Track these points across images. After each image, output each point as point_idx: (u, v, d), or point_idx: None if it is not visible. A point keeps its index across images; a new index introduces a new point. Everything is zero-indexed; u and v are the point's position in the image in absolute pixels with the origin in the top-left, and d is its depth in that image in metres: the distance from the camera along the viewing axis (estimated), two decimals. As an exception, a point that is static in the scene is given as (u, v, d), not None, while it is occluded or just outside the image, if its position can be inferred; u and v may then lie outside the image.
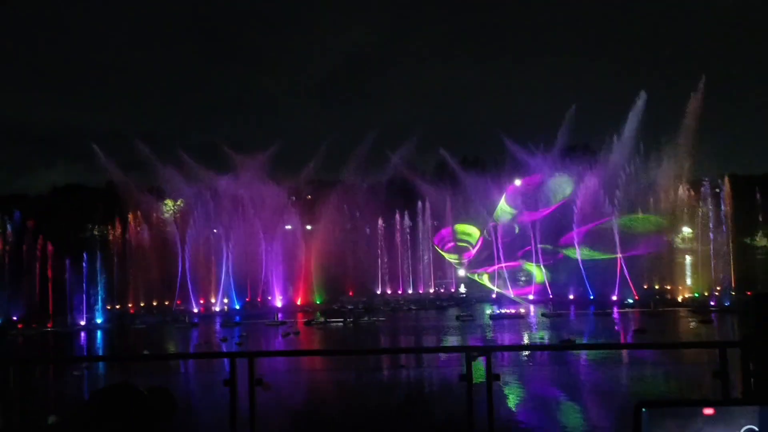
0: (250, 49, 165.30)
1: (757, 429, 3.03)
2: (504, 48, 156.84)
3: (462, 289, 63.83)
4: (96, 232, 66.54)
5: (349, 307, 55.83)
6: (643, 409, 2.94)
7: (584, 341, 34.61)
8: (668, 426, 2.99)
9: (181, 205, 65.45)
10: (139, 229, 56.92)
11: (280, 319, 49.00)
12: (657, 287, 54.92)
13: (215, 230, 59.49)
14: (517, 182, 69.31)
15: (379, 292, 62.70)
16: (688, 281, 55.85)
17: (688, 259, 59.41)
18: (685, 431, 3.01)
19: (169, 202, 67.37)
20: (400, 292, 62.27)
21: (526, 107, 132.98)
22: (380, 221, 65.67)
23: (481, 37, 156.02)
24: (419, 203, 65.54)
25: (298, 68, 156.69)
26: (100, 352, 40.93)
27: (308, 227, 68.91)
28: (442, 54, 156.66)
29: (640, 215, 55.35)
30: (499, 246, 61.65)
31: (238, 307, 56.01)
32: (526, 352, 21.67)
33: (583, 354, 19.12)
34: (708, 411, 3.02)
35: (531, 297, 57.99)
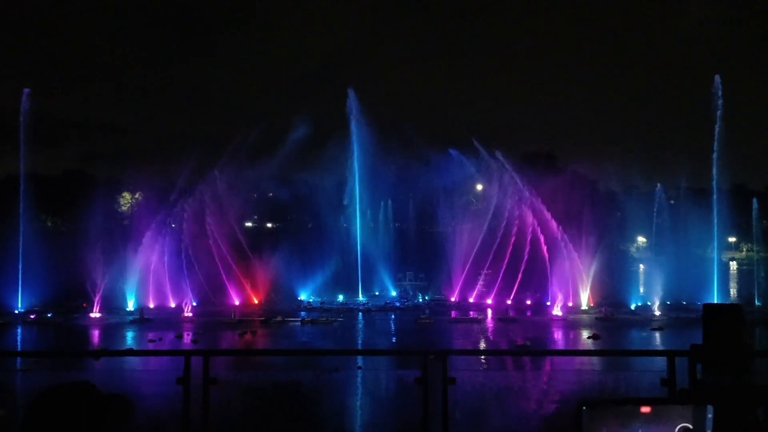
0: (222, 45, 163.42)
1: (690, 427, 3.16)
2: (478, 50, 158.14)
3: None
4: (49, 223, 64.93)
5: (307, 306, 55.55)
6: (584, 408, 3.02)
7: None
8: (609, 423, 3.09)
9: (139, 198, 64.18)
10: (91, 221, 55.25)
11: (236, 318, 48.45)
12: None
13: (173, 225, 58.47)
14: (479, 186, 70.17)
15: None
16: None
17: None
18: (624, 429, 3.11)
19: (126, 195, 66.04)
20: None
21: (501, 111, 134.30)
22: (341, 221, 65.67)
23: (455, 39, 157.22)
24: (381, 203, 65.61)
25: (271, 67, 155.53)
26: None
27: (269, 225, 68.51)
28: (416, 56, 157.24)
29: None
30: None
31: (194, 304, 55.15)
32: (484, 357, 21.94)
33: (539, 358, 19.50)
34: (645, 409, 3.13)
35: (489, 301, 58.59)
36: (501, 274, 59.55)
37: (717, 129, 53.92)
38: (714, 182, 54.29)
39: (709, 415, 3.22)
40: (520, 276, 57.72)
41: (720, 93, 53.92)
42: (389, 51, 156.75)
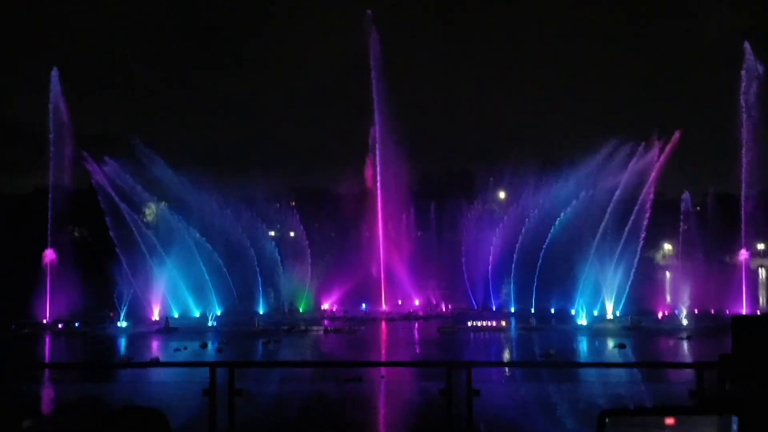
0: (243, 54, 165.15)
1: None
2: (501, 61, 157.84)
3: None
4: (76, 234, 65.90)
5: (331, 315, 55.75)
6: (607, 419, 3.01)
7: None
8: None
9: (164, 208, 64.86)
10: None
11: (260, 327, 48.72)
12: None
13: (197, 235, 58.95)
14: (501, 194, 69.92)
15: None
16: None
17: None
18: None
19: (151, 206, 66.78)
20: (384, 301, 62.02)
21: (520, 121, 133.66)
22: (362, 230, 65.88)
23: (478, 50, 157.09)
24: (403, 216, 65.63)
25: (293, 76, 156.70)
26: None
27: (291, 234, 68.76)
28: (437, 66, 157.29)
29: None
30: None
31: (218, 313, 55.53)
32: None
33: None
34: (669, 420, 3.10)
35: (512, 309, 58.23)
36: (523, 282, 59.22)
37: (744, 132, 53.10)
38: (743, 187, 53.42)
39: (734, 426, 3.18)
40: (542, 284, 57.33)
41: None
42: (410, 60, 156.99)
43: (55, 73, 55.41)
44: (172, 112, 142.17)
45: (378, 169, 63.47)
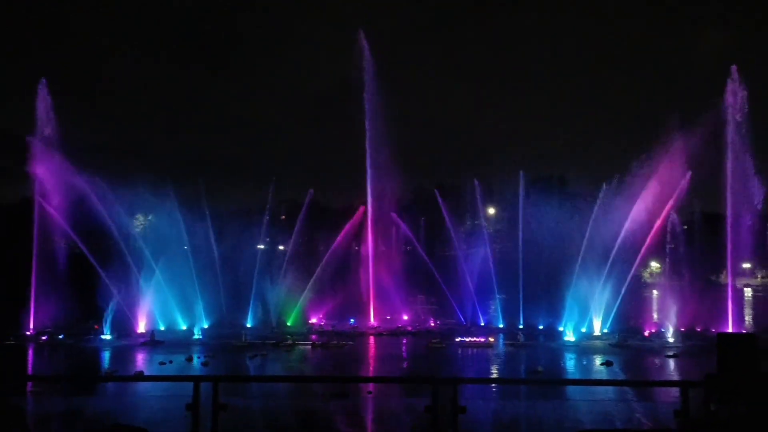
0: (241, 67, 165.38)
1: None
2: (500, 74, 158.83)
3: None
4: (62, 244, 65.25)
5: (319, 330, 55.44)
6: None
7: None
8: None
9: (152, 220, 64.47)
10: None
11: (247, 341, 48.38)
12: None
13: (185, 247, 58.66)
14: (491, 210, 70.17)
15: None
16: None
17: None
18: None
19: (140, 217, 66.35)
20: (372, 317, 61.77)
21: (522, 135, 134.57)
22: (353, 245, 65.76)
23: (476, 64, 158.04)
24: (393, 229, 65.57)
25: (289, 89, 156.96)
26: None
27: (281, 247, 68.52)
28: (431, 81, 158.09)
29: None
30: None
31: (205, 326, 55.11)
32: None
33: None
34: None
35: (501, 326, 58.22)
36: (510, 298, 59.36)
37: (729, 152, 53.59)
38: (728, 207, 53.82)
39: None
40: (530, 300, 57.48)
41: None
42: (404, 74, 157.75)
43: (42, 84, 55.40)
44: (162, 123, 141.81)
45: (368, 183, 63.47)
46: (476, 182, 63.72)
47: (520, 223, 60.48)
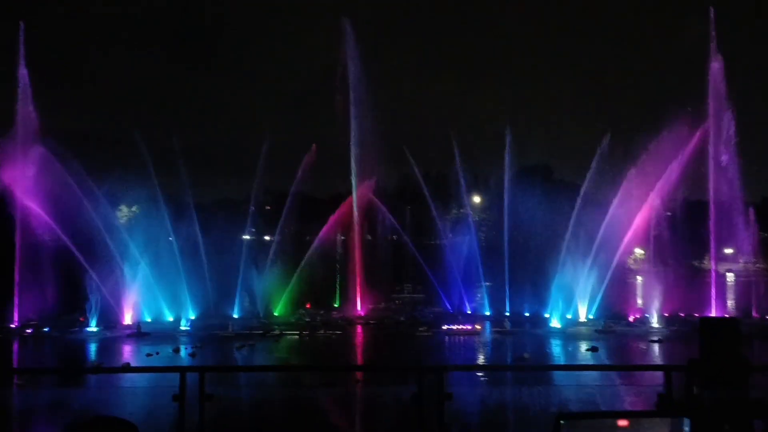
0: (226, 57, 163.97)
1: None
2: (480, 66, 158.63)
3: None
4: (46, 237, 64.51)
5: (307, 320, 55.44)
6: (562, 421, 3.03)
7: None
8: None
9: (137, 211, 64.01)
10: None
11: (234, 332, 48.31)
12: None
13: (170, 238, 58.32)
14: (476, 199, 70.39)
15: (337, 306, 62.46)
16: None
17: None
18: None
19: (123, 208, 65.82)
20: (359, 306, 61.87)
21: (501, 125, 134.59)
22: (339, 235, 65.74)
23: (459, 54, 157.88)
24: (379, 217, 65.55)
25: (269, 79, 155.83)
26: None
27: (266, 238, 68.35)
28: (417, 69, 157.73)
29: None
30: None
31: (193, 317, 54.91)
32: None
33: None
34: (623, 422, 3.15)
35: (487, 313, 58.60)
36: (497, 286, 59.74)
37: (711, 142, 54.07)
38: (710, 193, 54.37)
39: (686, 429, 3.24)
40: (517, 287, 57.85)
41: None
42: (390, 66, 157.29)
43: (23, 72, 54.50)
44: (144, 114, 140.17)
45: (353, 173, 63.35)
46: (460, 170, 63.58)
47: (505, 210, 60.71)
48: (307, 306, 60.65)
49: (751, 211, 59.21)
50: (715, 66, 53.92)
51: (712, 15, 54.25)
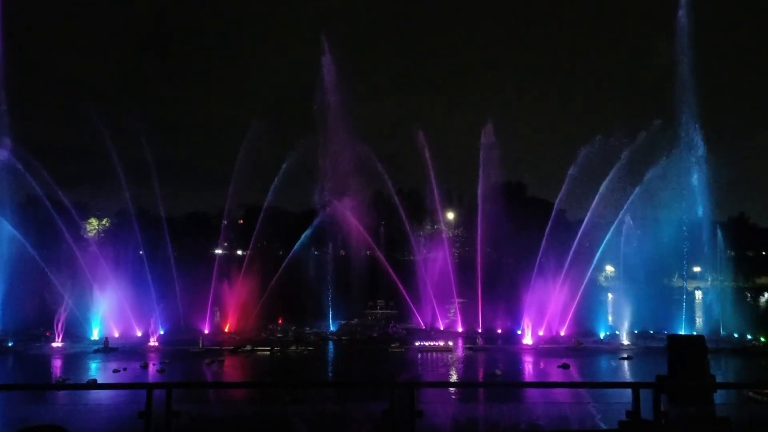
0: (201, 69, 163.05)
1: None
2: (456, 80, 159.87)
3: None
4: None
5: (278, 335, 54.91)
6: None
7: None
8: None
9: (107, 225, 63.13)
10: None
11: (204, 347, 47.62)
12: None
13: (140, 252, 57.49)
14: (450, 215, 70.72)
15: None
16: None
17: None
18: None
19: (93, 221, 64.86)
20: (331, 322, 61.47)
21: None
22: (311, 250, 65.49)
23: (434, 69, 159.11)
24: (352, 233, 65.36)
25: (247, 92, 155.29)
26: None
27: (239, 252, 67.80)
28: (393, 86, 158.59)
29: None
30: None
31: (162, 332, 54.01)
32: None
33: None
34: None
35: (459, 330, 58.61)
36: (470, 303, 59.87)
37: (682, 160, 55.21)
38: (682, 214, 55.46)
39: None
40: (489, 304, 58.08)
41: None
42: (366, 81, 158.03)
43: None
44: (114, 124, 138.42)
45: (325, 188, 63.20)
46: (435, 186, 63.82)
47: (479, 227, 61.01)
48: (279, 321, 60.11)
49: (718, 230, 60.60)
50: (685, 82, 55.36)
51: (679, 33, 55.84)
